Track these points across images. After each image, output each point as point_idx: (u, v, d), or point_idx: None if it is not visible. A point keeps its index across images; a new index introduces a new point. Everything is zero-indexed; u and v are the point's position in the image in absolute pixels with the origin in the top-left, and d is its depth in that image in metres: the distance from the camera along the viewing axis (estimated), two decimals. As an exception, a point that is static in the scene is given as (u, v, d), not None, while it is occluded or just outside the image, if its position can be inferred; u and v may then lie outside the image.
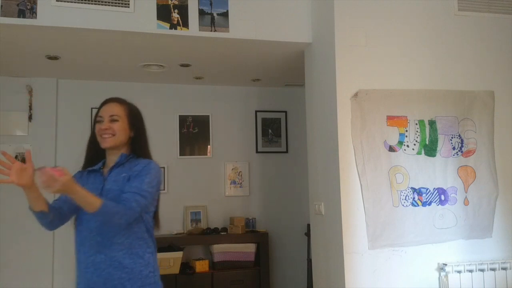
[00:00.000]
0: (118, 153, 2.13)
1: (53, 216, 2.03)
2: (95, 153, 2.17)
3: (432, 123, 3.30)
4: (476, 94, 3.39)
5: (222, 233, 4.73)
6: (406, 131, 3.25)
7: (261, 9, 3.53)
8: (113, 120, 2.10)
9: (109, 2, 3.23)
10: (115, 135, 2.08)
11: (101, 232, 2.00)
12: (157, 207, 2.18)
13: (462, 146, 3.33)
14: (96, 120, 2.14)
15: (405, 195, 3.19)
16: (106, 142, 2.08)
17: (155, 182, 2.08)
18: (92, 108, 4.69)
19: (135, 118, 2.17)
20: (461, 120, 3.35)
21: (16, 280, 4.29)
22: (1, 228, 4.32)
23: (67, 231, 4.65)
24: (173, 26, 3.36)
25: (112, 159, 2.14)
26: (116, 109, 2.13)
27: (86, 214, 1.98)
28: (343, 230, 3.08)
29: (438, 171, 3.26)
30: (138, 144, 2.18)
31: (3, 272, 4.27)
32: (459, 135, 3.34)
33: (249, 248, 4.69)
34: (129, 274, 1.99)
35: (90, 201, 1.86)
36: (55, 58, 3.91)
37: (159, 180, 2.11)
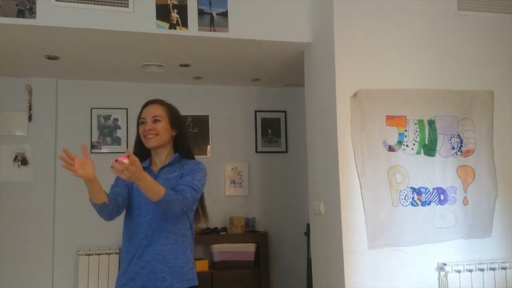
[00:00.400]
0: (164, 151, 2.24)
1: (112, 208, 2.11)
2: (141, 152, 2.25)
3: (431, 123, 3.30)
4: (475, 94, 3.39)
5: (222, 233, 4.73)
6: (406, 131, 3.25)
7: (260, 9, 3.53)
8: (156, 121, 2.20)
9: (108, 2, 3.23)
10: (158, 135, 2.19)
11: (150, 227, 2.11)
12: (203, 202, 2.31)
13: (461, 146, 3.33)
14: (139, 122, 2.24)
15: (404, 194, 3.19)
16: (150, 142, 2.18)
17: (204, 180, 2.21)
18: (92, 108, 4.70)
19: (176, 118, 2.29)
20: (461, 120, 3.35)
21: (16, 280, 4.30)
22: (1, 228, 4.32)
23: (67, 231, 4.67)
24: (172, 26, 3.36)
25: (158, 158, 2.25)
26: (158, 110, 2.23)
27: (136, 209, 2.15)
28: (343, 230, 3.08)
29: (438, 171, 3.26)
30: (181, 143, 2.30)
31: (3, 272, 4.28)
32: (459, 135, 3.34)
33: (249, 248, 4.69)
34: (171, 269, 2.10)
35: (156, 189, 1.95)
36: (54, 58, 3.91)
37: (205, 181, 2.23)
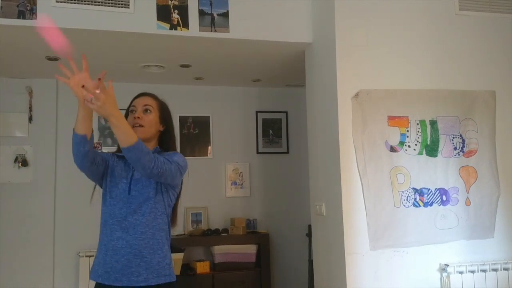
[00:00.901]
0: (148, 145, 2.14)
1: (90, 148, 1.99)
2: None
3: (433, 123, 3.29)
4: (477, 94, 3.38)
5: (223, 234, 4.72)
6: (407, 131, 3.24)
7: (261, 9, 3.53)
8: (146, 110, 2.17)
9: (109, 3, 3.22)
10: (144, 126, 2.13)
11: (126, 219, 2.04)
12: (176, 203, 2.22)
13: (463, 146, 3.32)
14: (129, 110, 2.19)
15: (406, 195, 3.18)
16: (136, 132, 2.07)
17: (182, 164, 2.12)
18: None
19: (165, 113, 2.25)
20: (463, 120, 3.34)
21: (17, 281, 4.29)
22: (1, 229, 4.32)
23: (68, 232, 4.66)
24: (173, 27, 3.36)
25: None
26: (149, 101, 2.21)
27: (113, 199, 2.07)
28: (344, 231, 3.07)
29: (440, 172, 3.25)
30: (166, 139, 2.25)
31: (4, 273, 4.27)
32: (461, 135, 3.33)
33: (250, 249, 4.68)
34: (147, 264, 2.03)
35: (130, 132, 1.89)
36: (55, 59, 3.91)
37: (184, 166, 2.13)
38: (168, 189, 2.13)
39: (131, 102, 2.21)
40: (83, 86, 1.78)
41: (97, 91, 1.77)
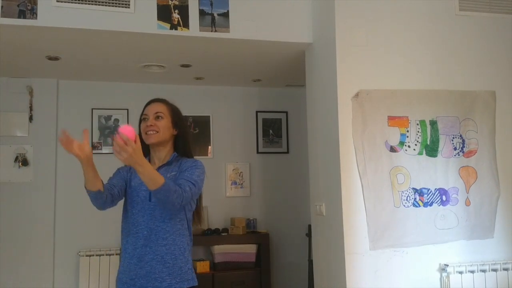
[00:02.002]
0: (163, 149, 2.23)
1: (106, 197, 2.08)
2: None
3: (433, 123, 3.29)
4: (477, 94, 3.39)
5: (223, 234, 4.72)
6: (407, 131, 3.24)
7: (261, 9, 3.53)
8: (158, 117, 2.21)
9: (109, 3, 3.23)
10: (159, 132, 2.18)
11: (148, 227, 2.10)
12: (198, 204, 2.30)
13: (463, 146, 3.32)
14: (141, 119, 2.25)
15: (406, 195, 3.18)
16: (150, 138, 2.18)
17: (203, 176, 2.18)
18: (92, 109, 4.69)
19: (178, 117, 2.29)
20: (463, 120, 3.34)
21: (17, 281, 4.29)
22: (1, 229, 4.32)
23: (68, 232, 4.67)
24: (173, 27, 3.36)
25: (157, 155, 2.24)
26: (160, 108, 2.24)
27: (134, 208, 2.14)
28: (344, 231, 3.07)
29: (440, 172, 3.25)
30: (181, 142, 2.29)
31: (4, 273, 4.27)
32: (461, 135, 3.33)
33: (250, 249, 4.68)
34: (170, 269, 2.09)
35: (155, 177, 1.93)
36: (55, 58, 3.91)
37: (204, 177, 2.20)
38: None
39: (143, 110, 2.26)
40: (119, 133, 1.88)
41: (123, 144, 1.86)
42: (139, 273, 2.08)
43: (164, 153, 2.24)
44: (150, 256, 2.08)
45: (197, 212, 2.30)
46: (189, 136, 2.38)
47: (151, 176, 1.91)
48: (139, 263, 2.09)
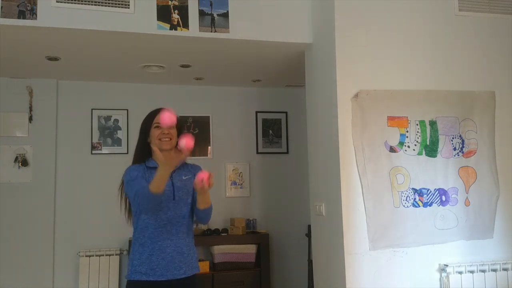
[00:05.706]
0: (170, 153, 2.41)
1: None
2: (142, 152, 2.48)
3: (432, 123, 3.29)
4: (477, 94, 3.39)
5: (222, 234, 4.73)
6: (407, 131, 3.24)
7: (261, 9, 3.53)
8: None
9: (109, 3, 3.23)
10: (172, 139, 2.41)
11: (171, 222, 2.37)
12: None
13: (463, 146, 3.33)
14: (154, 126, 2.43)
15: (406, 195, 3.18)
16: (166, 145, 2.39)
17: None
18: (92, 109, 4.69)
19: (181, 126, 2.54)
20: (462, 120, 3.35)
21: (17, 281, 4.29)
22: (1, 229, 4.32)
23: (68, 232, 4.66)
24: (173, 27, 3.36)
25: None
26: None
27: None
28: (344, 231, 3.08)
29: (439, 172, 3.26)
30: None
31: (4, 273, 4.27)
32: (460, 136, 3.33)
33: (250, 249, 4.68)
34: (186, 258, 2.39)
35: (209, 199, 2.38)
36: (55, 59, 3.91)
37: None
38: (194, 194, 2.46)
39: (154, 119, 2.42)
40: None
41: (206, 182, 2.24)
42: (160, 263, 2.31)
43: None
44: (171, 248, 2.34)
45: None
46: None
47: (207, 199, 2.39)
48: (161, 254, 2.33)
